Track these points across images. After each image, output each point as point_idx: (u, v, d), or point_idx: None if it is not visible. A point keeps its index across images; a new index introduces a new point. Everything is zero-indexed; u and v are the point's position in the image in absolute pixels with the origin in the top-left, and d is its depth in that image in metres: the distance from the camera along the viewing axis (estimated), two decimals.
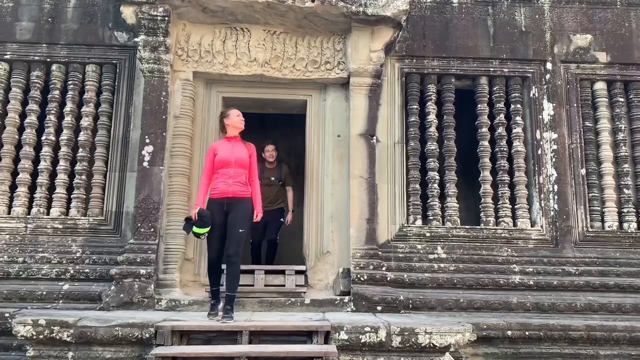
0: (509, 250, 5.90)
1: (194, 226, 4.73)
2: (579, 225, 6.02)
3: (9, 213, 5.83)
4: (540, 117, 6.23)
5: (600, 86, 6.38)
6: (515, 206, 6.10)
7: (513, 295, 5.62)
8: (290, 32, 6.06)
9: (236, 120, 5.04)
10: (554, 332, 5.23)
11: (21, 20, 6.11)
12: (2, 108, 6.08)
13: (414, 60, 6.27)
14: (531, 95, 6.29)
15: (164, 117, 5.69)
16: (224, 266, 4.90)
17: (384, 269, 5.55)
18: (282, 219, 6.84)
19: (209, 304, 4.93)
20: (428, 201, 6.08)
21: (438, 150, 6.21)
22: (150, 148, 5.62)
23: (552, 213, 6.02)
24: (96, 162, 5.98)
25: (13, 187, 5.95)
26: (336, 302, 5.38)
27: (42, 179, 5.93)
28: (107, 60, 6.14)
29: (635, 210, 6.15)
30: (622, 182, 6.20)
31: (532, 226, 6.04)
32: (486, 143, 6.20)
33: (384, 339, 4.19)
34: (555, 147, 6.16)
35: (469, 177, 6.78)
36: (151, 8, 5.62)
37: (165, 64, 5.74)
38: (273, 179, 6.78)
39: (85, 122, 6.05)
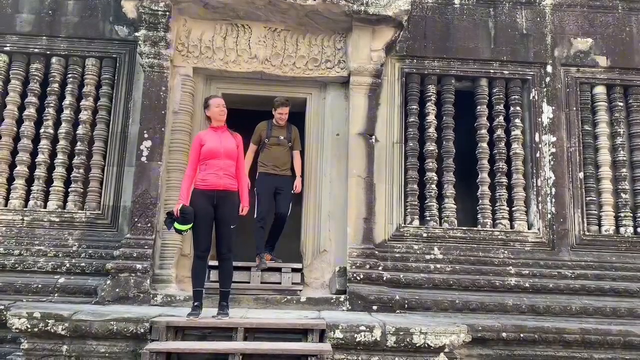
0: (506, 252, 5.91)
1: (175, 222, 4.49)
2: (576, 228, 6.03)
3: (6, 205, 5.82)
4: (540, 119, 6.24)
5: (599, 90, 6.39)
6: (513, 208, 6.10)
7: (509, 297, 5.62)
8: (291, 30, 6.05)
9: (215, 112, 4.66)
10: (549, 335, 5.23)
11: (21, 12, 6.09)
12: (0, 100, 6.06)
13: (415, 61, 6.27)
14: (531, 97, 6.30)
15: (163, 112, 5.68)
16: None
17: (380, 268, 5.56)
18: (292, 190, 5.99)
19: (207, 299, 4.87)
20: (426, 202, 6.09)
21: (437, 151, 6.21)
22: (148, 143, 5.61)
23: (549, 216, 6.02)
24: (94, 156, 5.98)
25: (10, 180, 5.94)
26: (332, 300, 5.38)
27: (40, 171, 5.92)
28: (107, 54, 6.13)
29: (632, 215, 6.16)
30: (619, 187, 6.21)
31: (529, 229, 6.05)
32: (485, 145, 6.21)
33: (378, 339, 4.19)
34: (553, 150, 6.17)
35: (467, 178, 6.78)
36: (152, 3, 5.60)
37: (166, 59, 5.73)
38: (282, 137, 5.96)
39: (84, 115, 6.04)
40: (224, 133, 4.69)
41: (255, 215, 5.76)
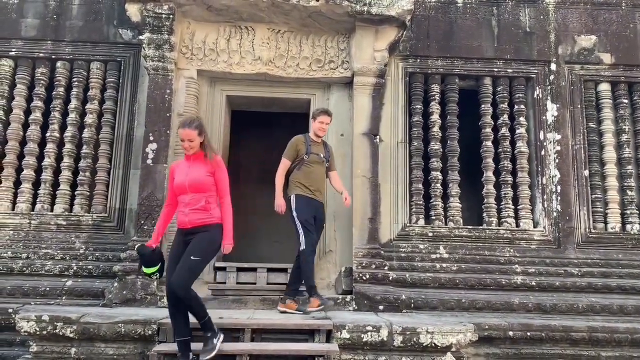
0: (512, 250, 5.90)
1: (143, 265, 4.06)
2: (582, 226, 6.01)
3: (13, 209, 5.85)
4: (544, 117, 6.23)
5: (604, 87, 6.38)
6: (518, 207, 6.10)
7: (515, 296, 5.62)
8: (294, 31, 6.07)
9: (181, 142, 4.03)
10: (556, 333, 5.23)
11: (26, 17, 6.13)
12: (6, 104, 6.09)
13: (418, 60, 6.27)
14: (535, 96, 6.29)
15: (167, 114, 5.70)
16: None
17: (386, 268, 5.56)
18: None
19: (213, 300, 4.79)
20: (431, 201, 6.09)
21: (441, 150, 6.21)
22: (154, 145, 5.63)
23: (554, 214, 6.01)
24: (100, 159, 6.00)
25: (17, 184, 5.97)
26: (338, 300, 5.38)
27: (46, 175, 5.95)
28: (112, 57, 6.16)
29: (638, 212, 6.14)
30: (625, 184, 6.20)
31: (534, 227, 6.04)
32: (489, 143, 6.20)
33: (385, 338, 4.20)
34: (558, 148, 6.16)
35: (472, 177, 6.77)
36: (156, 6, 5.63)
37: (170, 61, 5.75)
38: (322, 155, 5.28)
39: (90, 119, 6.07)
40: (195, 162, 4.00)
41: (302, 247, 4.98)
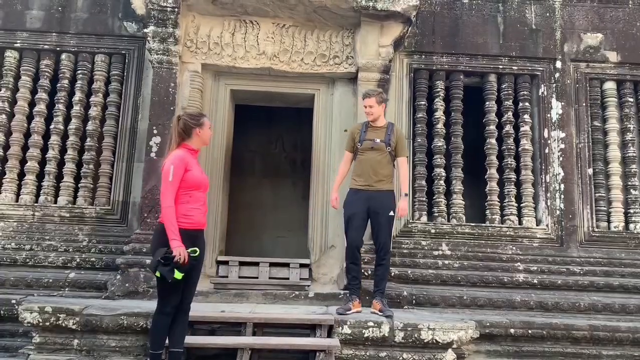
0: (514, 248, 5.90)
1: (176, 270, 3.48)
2: (585, 225, 6.00)
3: (16, 201, 5.87)
4: (549, 115, 6.21)
5: (609, 86, 6.35)
6: (521, 204, 6.09)
7: (517, 294, 5.62)
8: (299, 26, 6.05)
9: (207, 135, 3.87)
10: (557, 331, 5.22)
11: (31, 9, 6.13)
12: (11, 96, 6.10)
13: (423, 56, 6.25)
14: (540, 93, 6.27)
15: (172, 108, 5.70)
16: None
17: None
18: (392, 211, 4.76)
19: (215, 294, 4.82)
20: (434, 198, 6.08)
21: (445, 147, 6.20)
22: (157, 139, 5.63)
23: (558, 212, 6.00)
24: (104, 151, 6.01)
25: (21, 175, 5.99)
26: (340, 296, 5.38)
27: (50, 167, 5.97)
28: (116, 50, 6.16)
29: None
30: (629, 183, 6.18)
31: (537, 225, 6.03)
32: (493, 141, 6.19)
33: (387, 334, 4.21)
34: (562, 146, 6.14)
35: (475, 174, 6.76)
36: None
37: (174, 55, 5.74)
38: (379, 140, 4.75)
39: (94, 111, 6.08)
40: (196, 159, 3.88)
41: (345, 244, 4.87)
